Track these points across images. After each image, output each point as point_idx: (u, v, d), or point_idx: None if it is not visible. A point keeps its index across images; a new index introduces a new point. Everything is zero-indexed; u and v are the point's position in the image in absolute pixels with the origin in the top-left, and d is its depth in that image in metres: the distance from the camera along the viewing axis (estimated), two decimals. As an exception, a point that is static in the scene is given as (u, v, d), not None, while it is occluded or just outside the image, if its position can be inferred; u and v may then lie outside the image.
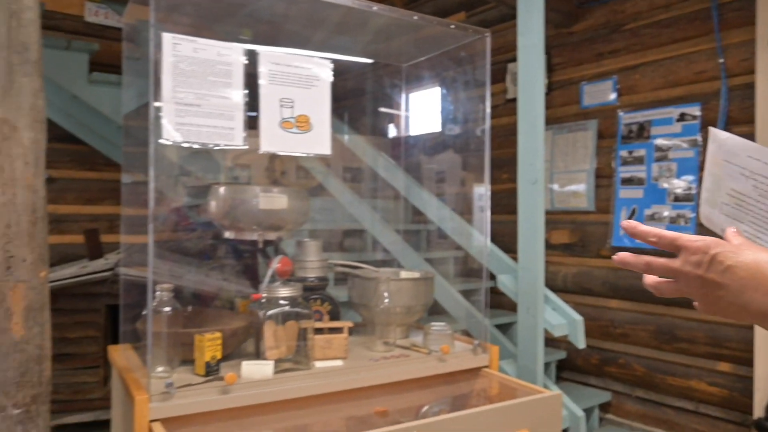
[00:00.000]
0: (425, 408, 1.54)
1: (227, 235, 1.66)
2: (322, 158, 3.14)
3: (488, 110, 1.83)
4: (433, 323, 1.78)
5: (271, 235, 1.66)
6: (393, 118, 4.51)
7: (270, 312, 1.45)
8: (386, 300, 1.70)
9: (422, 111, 4.08)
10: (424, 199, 2.81)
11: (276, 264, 1.50)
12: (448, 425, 1.25)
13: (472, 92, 3.57)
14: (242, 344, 1.60)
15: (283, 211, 1.64)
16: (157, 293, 1.38)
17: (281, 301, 1.46)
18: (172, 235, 2.60)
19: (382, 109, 4.53)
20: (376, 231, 3.01)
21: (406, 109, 2.94)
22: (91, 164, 4.39)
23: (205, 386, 1.31)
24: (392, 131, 4.52)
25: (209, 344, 1.36)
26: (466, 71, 3.09)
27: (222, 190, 1.66)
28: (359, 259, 1.95)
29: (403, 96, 2.51)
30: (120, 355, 1.59)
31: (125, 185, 1.80)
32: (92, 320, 2.65)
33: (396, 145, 4.31)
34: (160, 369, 1.37)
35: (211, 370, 1.37)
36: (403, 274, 1.99)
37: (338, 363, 1.54)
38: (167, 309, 1.38)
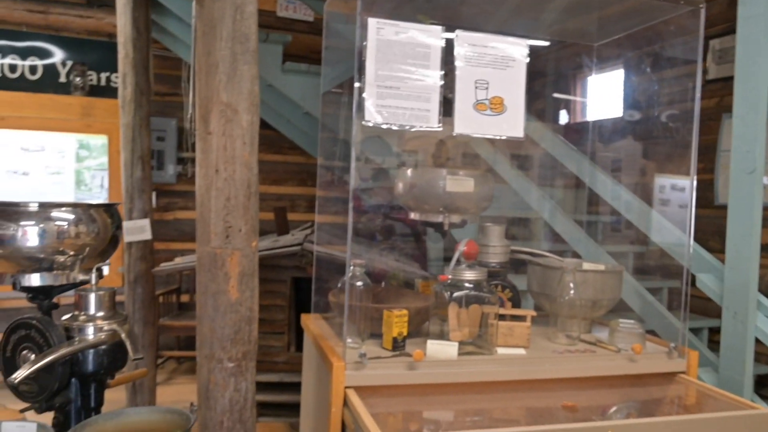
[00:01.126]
0: (614, 408, 1.44)
1: (412, 216, 1.70)
2: (490, 144, 3.08)
3: (698, 93, 1.64)
4: (621, 320, 1.66)
5: (455, 218, 1.67)
6: (569, 103, 4.28)
7: (455, 294, 1.45)
8: (572, 291, 1.62)
9: (605, 94, 3.81)
10: (608, 189, 2.62)
11: (463, 247, 1.50)
12: (652, 430, 1.15)
13: (667, 72, 3.24)
14: (423, 324, 1.63)
15: (468, 194, 1.63)
16: (351, 268, 1.46)
17: (466, 284, 1.47)
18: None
19: (557, 95, 4.32)
20: (551, 219, 2.88)
21: (592, 93, 2.76)
22: (278, 148, 4.79)
23: (393, 360, 1.36)
24: (569, 116, 4.29)
25: (397, 320, 1.41)
26: (663, 49, 2.81)
27: (409, 172, 1.70)
28: (528, 247, 1.89)
29: (591, 78, 2.36)
30: (312, 323, 1.71)
31: (320, 167, 1.92)
32: (280, 290, 2.90)
33: (572, 130, 4.08)
34: (349, 340, 1.44)
35: (398, 346, 1.41)
36: (586, 265, 1.88)
37: (521, 351, 1.50)
38: (360, 284, 1.45)
